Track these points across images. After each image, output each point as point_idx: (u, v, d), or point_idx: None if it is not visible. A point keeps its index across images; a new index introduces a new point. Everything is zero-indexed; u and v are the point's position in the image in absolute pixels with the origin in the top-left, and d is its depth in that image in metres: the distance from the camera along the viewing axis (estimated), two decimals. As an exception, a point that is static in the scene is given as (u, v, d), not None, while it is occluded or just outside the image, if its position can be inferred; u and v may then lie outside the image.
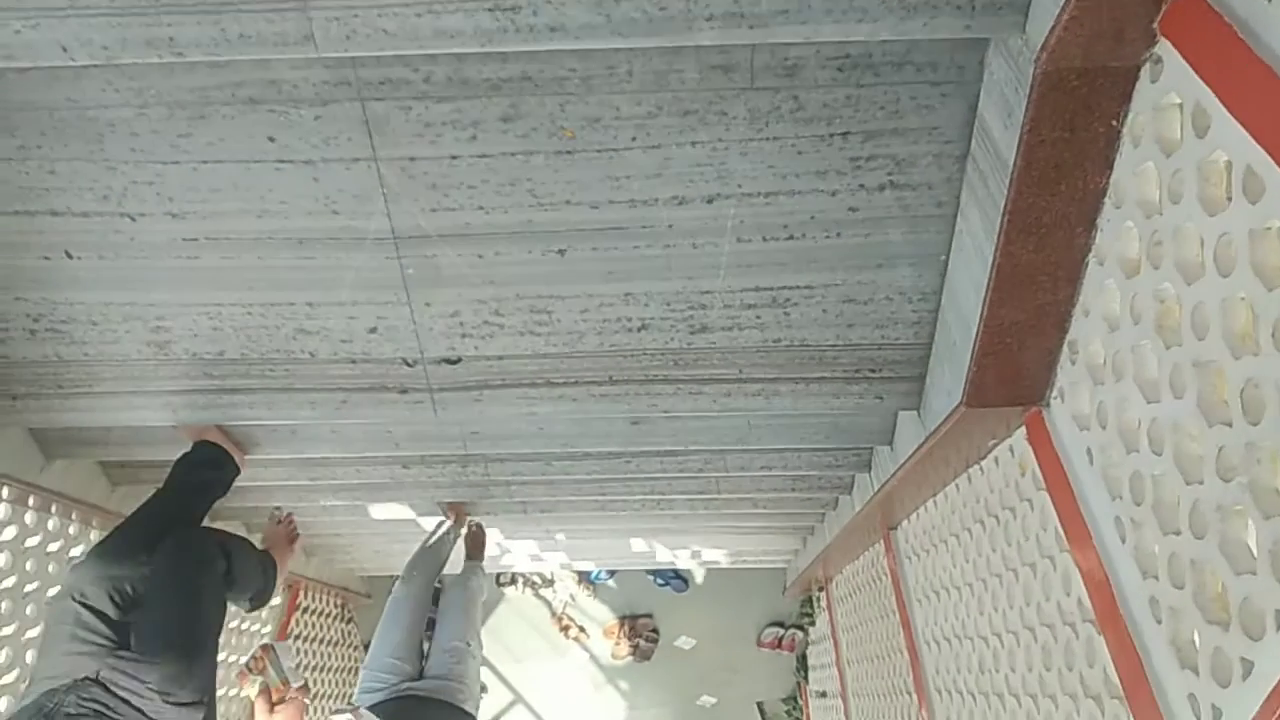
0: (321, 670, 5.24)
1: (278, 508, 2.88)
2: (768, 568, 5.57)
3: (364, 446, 2.49)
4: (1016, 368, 1.63)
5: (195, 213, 1.72)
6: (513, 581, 6.16)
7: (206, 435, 2.37)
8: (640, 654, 6.13)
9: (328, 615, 5.34)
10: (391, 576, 6.01)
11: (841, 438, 2.42)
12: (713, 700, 6.22)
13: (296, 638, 4.83)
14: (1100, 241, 1.42)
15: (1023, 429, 1.81)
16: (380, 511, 3.51)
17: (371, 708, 2.63)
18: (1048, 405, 1.68)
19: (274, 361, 1.99)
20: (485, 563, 3.68)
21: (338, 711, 2.21)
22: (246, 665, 2.10)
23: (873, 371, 1.97)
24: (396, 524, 3.80)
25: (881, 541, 3.24)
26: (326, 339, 1.94)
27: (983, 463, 2.12)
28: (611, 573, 6.16)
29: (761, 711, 6.18)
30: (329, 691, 5.34)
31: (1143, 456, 1.32)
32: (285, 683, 2.09)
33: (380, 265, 1.79)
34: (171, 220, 1.73)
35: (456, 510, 3.48)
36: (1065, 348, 1.59)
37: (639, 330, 1.90)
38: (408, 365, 1.99)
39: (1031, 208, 1.39)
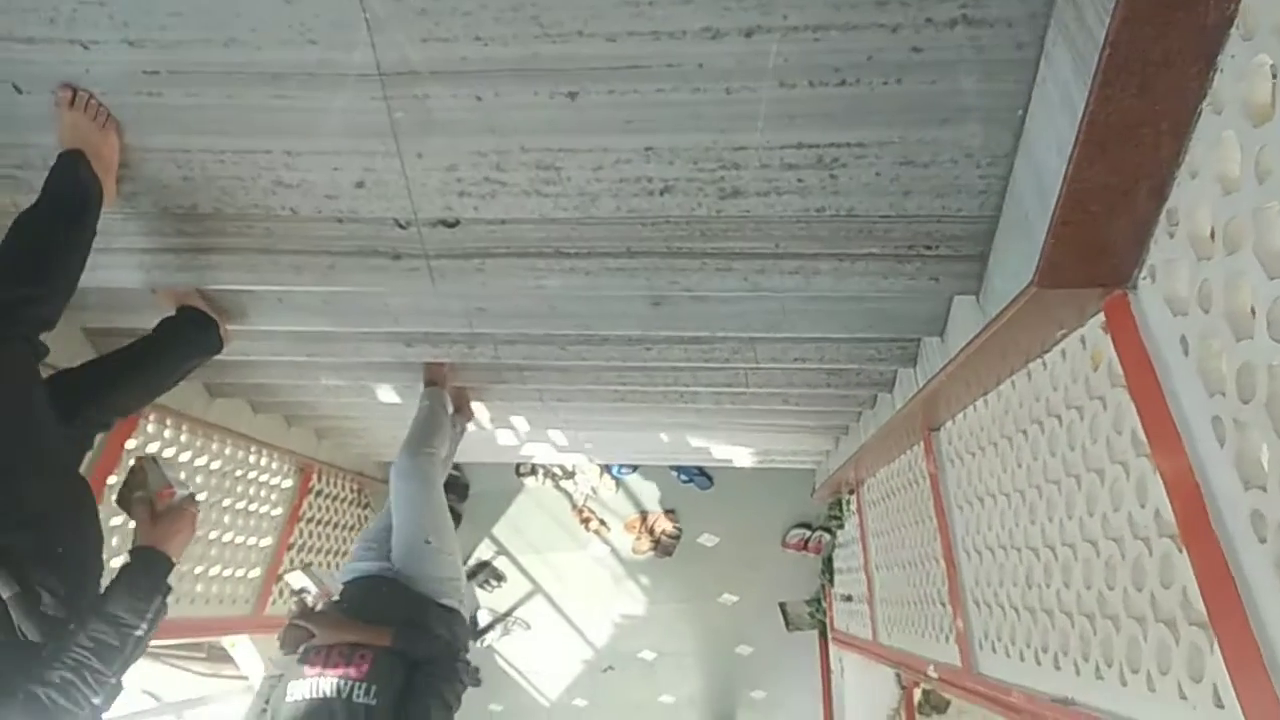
0: (337, 555, 5.24)
1: None
2: (797, 468, 5.44)
3: (359, 319, 2.33)
4: (1101, 242, 1.41)
5: (154, 40, 1.52)
6: (533, 472, 6.09)
7: (187, 300, 2.21)
8: (661, 549, 6.08)
9: (342, 500, 5.31)
10: (409, 462, 6.04)
11: (887, 326, 2.21)
12: (734, 599, 6.19)
13: (309, 520, 4.81)
14: (1220, 85, 1.19)
15: (1100, 316, 1.60)
16: (387, 393, 3.37)
17: (354, 579, 2.65)
18: (1134, 287, 1.47)
19: (252, 218, 1.81)
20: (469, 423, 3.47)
21: (290, 569, 2.13)
22: (124, 483, 1.91)
23: (929, 248, 1.76)
24: (408, 409, 3.67)
25: (922, 443, 3.06)
26: (309, 194, 1.75)
27: (1046, 356, 1.92)
28: (635, 467, 6.06)
29: (784, 612, 6.14)
30: (346, 576, 5.35)
31: (1257, 344, 1.11)
32: (168, 487, 1.89)
33: (365, 107, 1.59)
34: (129, 49, 1.54)
35: (436, 374, 3.18)
36: (1163, 218, 1.36)
37: (661, 193, 1.69)
38: (400, 227, 1.80)
39: (1138, 39, 1.15)
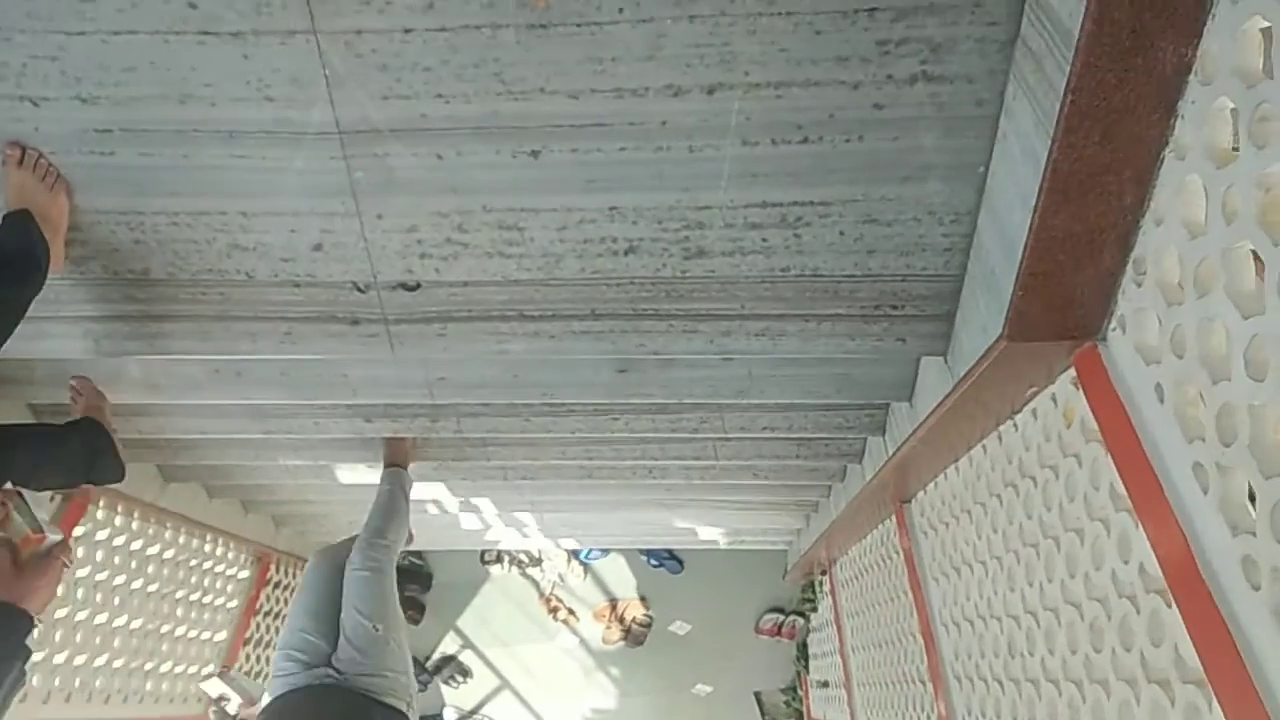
0: (295, 650, 5.04)
1: None
2: (768, 549, 5.36)
3: (317, 392, 2.27)
4: (1069, 293, 1.41)
5: (107, 98, 1.49)
6: (498, 559, 5.96)
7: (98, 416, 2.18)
8: (633, 639, 5.94)
9: (301, 592, 5.13)
10: (370, 552, 5.88)
11: (854, 391, 2.19)
12: (708, 689, 6.02)
13: (266, 614, 4.63)
14: (1181, 131, 1.19)
15: (1070, 372, 1.59)
16: (347, 474, 3.28)
17: (284, 693, 2.32)
18: (1104, 339, 1.46)
19: (206, 284, 1.76)
20: (412, 477, 3.13)
21: (208, 677, 1.98)
22: None
23: (894, 308, 1.75)
24: (369, 491, 3.57)
25: (893, 517, 3.02)
26: (265, 256, 1.71)
27: (1017, 417, 1.90)
28: (604, 551, 5.95)
29: (759, 702, 5.98)
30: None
31: (1235, 385, 1.09)
32: (37, 531, 1.69)
33: (324, 167, 1.56)
34: (81, 106, 1.50)
35: (398, 452, 3.04)
36: (1129, 267, 1.36)
37: (626, 254, 1.67)
38: (359, 290, 1.76)
39: (1100, 86, 1.16)
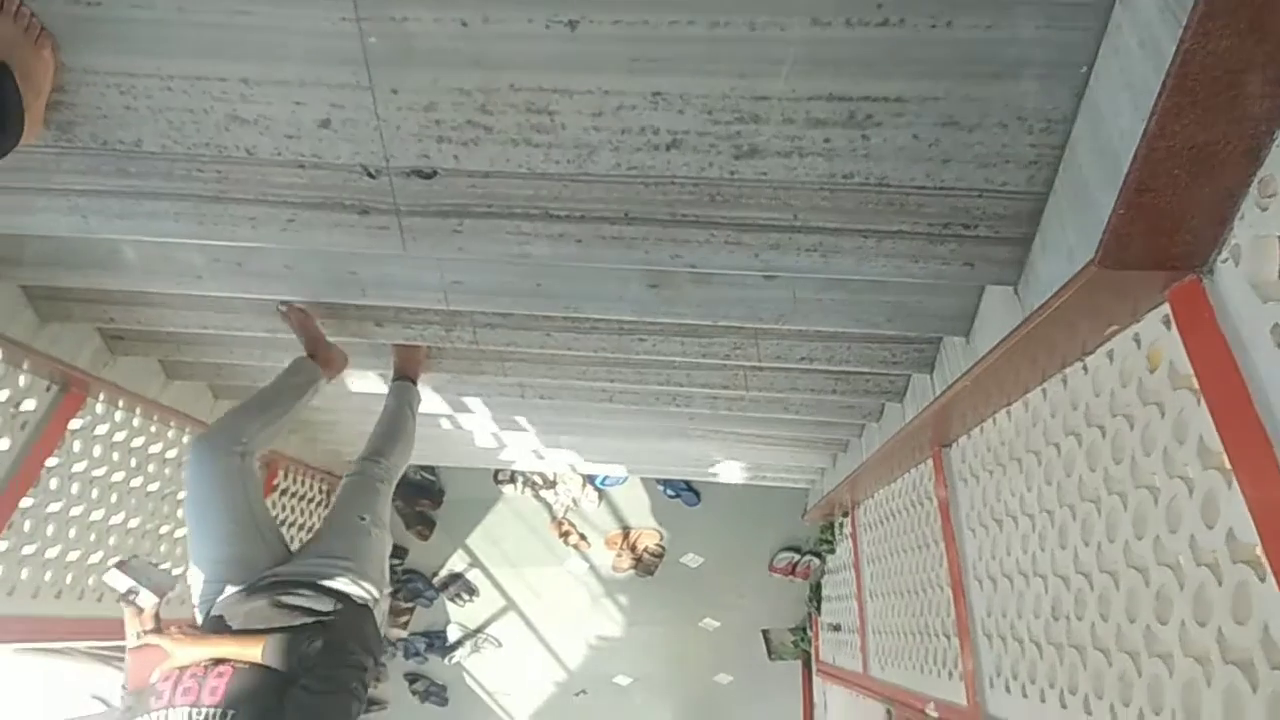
0: (303, 557, 5.00)
1: None
2: (789, 487, 5.23)
3: (325, 289, 2.12)
4: (1179, 215, 1.23)
5: (92, -65, 1.32)
6: (511, 480, 5.87)
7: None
8: (643, 568, 5.88)
9: (310, 500, 5.08)
10: (380, 464, 5.80)
11: (906, 322, 2.02)
12: (716, 624, 5.98)
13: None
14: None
15: (1163, 309, 1.42)
16: (356, 381, 3.15)
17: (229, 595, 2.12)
18: (1210, 272, 1.28)
19: (203, 160, 1.61)
20: (421, 393, 2.99)
21: (105, 568, 1.87)
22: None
23: (966, 227, 1.57)
24: (377, 400, 3.45)
25: (930, 461, 2.88)
26: (268, 131, 1.55)
27: (1088, 359, 1.73)
28: (621, 479, 5.85)
29: (767, 640, 5.94)
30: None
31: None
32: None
33: (335, 29, 1.39)
34: (62, -56, 1.33)
35: (409, 363, 2.89)
36: (1253, 188, 1.18)
37: (668, 148, 1.50)
38: (369, 176, 1.60)
39: (1254, -40, 0.97)
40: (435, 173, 1.58)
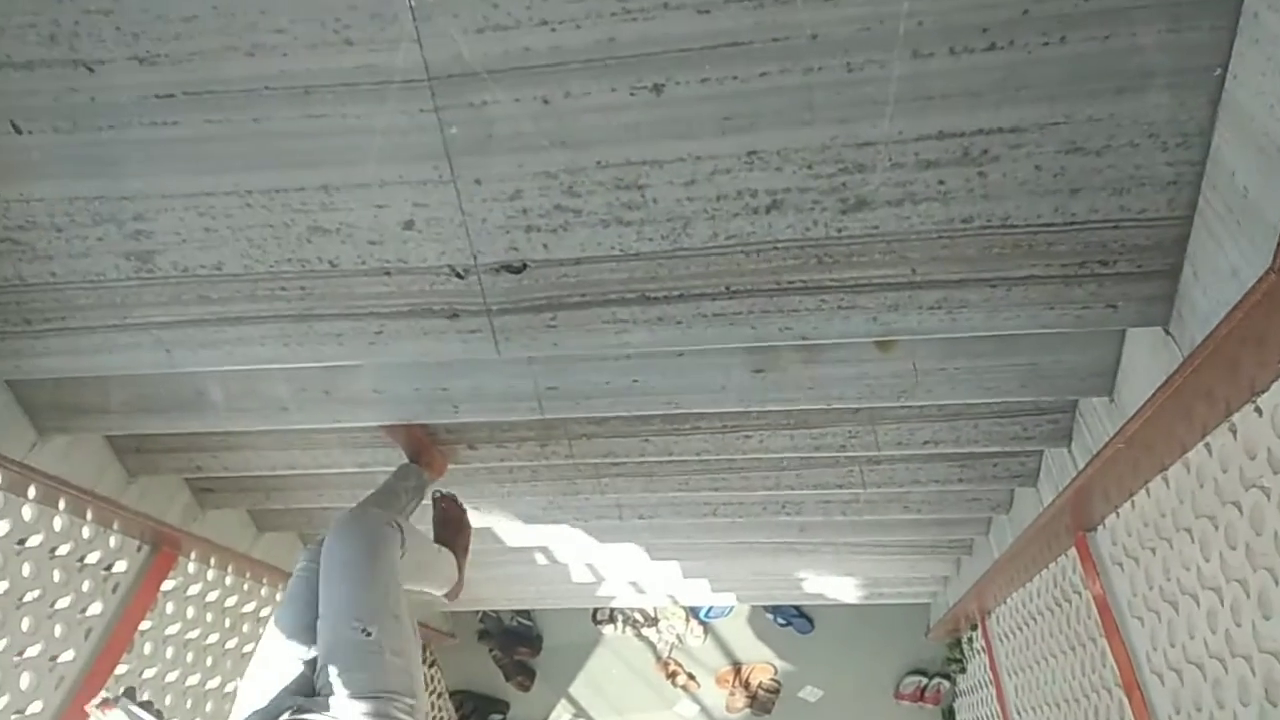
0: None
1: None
2: (908, 604, 4.94)
3: (416, 409, 2.06)
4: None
5: (167, 56, 1.33)
6: (611, 619, 5.66)
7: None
8: (759, 706, 5.54)
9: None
10: (476, 611, 5.67)
11: (1041, 386, 1.87)
12: (844, 763, 5.58)
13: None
14: None
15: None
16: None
17: None
18: None
19: (286, 277, 1.58)
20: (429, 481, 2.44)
21: (103, 700, 1.58)
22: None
23: (1104, 264, 1.44)
24: (476, 536, 3.35)
25: (1071, 551, 2.65)
26: (350, 240, 1.52)
27: (1260, 399, 1.56)
28: (726, 609, 5.60)
29: (900, 777, 5.52)
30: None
31: None
32: None
33: (413, 123, 1.37)
34: (139, 68, 1.35)
35: (414, 440, 2.40)
36: None
37: (768, 210, 1.42)
38: (458, 276, 1.55)
39: None
40: (525, 265, 1.52)
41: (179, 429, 2.10)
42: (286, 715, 1.53)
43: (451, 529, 2.43)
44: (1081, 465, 2.10)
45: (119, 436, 2.37)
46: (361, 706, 1.55)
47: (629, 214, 1.44)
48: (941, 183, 1.37)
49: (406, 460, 2.40)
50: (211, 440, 2.40)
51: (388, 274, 1.56)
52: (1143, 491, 2.11)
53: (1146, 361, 1.65)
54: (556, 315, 1.58)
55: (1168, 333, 1.53)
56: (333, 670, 1.59)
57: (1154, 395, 1.61)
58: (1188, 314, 1.44)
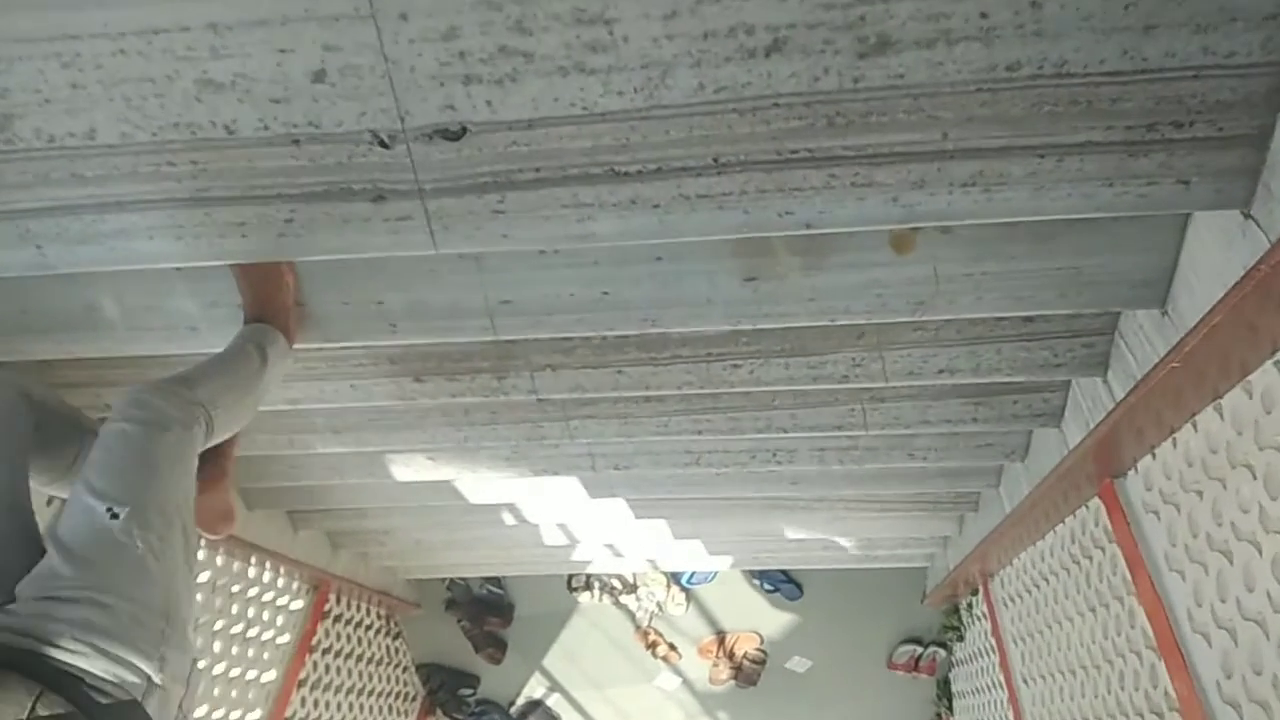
0: (364, 694, 4.62)
1: None
2: (903, 567, 4.74)
3: (347, 329, 1.79)
4: None
5: None
6: (587, 586, 5.42)
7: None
8: (744, 678, 5.35)
9: (367, 627, 4.72)
10: (443, 580, 5.43)
11: (1083, 295, 1.62)
12: (833, 736, 5.41)
13: (325, 651, 4.21)
14: None
15: None
16: (404, 468, 2.80)
17: None
18: None
19: (172, 148, 1.31)
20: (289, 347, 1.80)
21: None
22: None
23: (1179, 125, 1.19)
24: (435, 492, 3.11)
25: (1095, 501, 2.43)
26: (249, 98, 1.24)
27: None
28: (710, 575, 5.38)
29: (892, 751, 5.36)
30: (371, 720, 4.74)
31: None
32: None
33: (320, -64, 1.10)
34: None
35: (266, 295, 1.75)
36: None
37: (768, 53, 1.16)
38: (382, 145, 1.28)
39: None
40: (464, 130, 1.26)
41: (69, 354, 1.83)
42: None
43: (270, 285, 1.75)
44: (1121, 395, 1.86)
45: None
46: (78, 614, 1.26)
47: (593, 58, 1.18)
48: (984, 15, 1.11)
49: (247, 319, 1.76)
50: (115, 371, 2.12)
51: (296, 143, 1.29)
52: (1187, 426, 1.88)
53: (1216, 258, 1.41)
54: (505, 197, 1.32)
55: (1248, 216, 1.28)
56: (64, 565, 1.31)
57: (1226, 296, 1.36)
58: (1278, 190, 1.20)
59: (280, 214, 1.37)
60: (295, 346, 1.79)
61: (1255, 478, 1.62)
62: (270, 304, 1.74)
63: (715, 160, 1.26)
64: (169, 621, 1.34)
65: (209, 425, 1.57)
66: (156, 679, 1.29)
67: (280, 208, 1.36)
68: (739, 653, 5.37)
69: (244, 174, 1.32)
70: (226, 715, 3.35)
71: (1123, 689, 2.35)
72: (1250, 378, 1.61)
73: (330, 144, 1.29)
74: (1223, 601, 1.78)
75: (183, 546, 1.43)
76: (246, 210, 1.37)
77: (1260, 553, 1.63)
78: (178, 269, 1.72)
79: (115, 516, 1.33)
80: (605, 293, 1.70)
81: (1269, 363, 1.54)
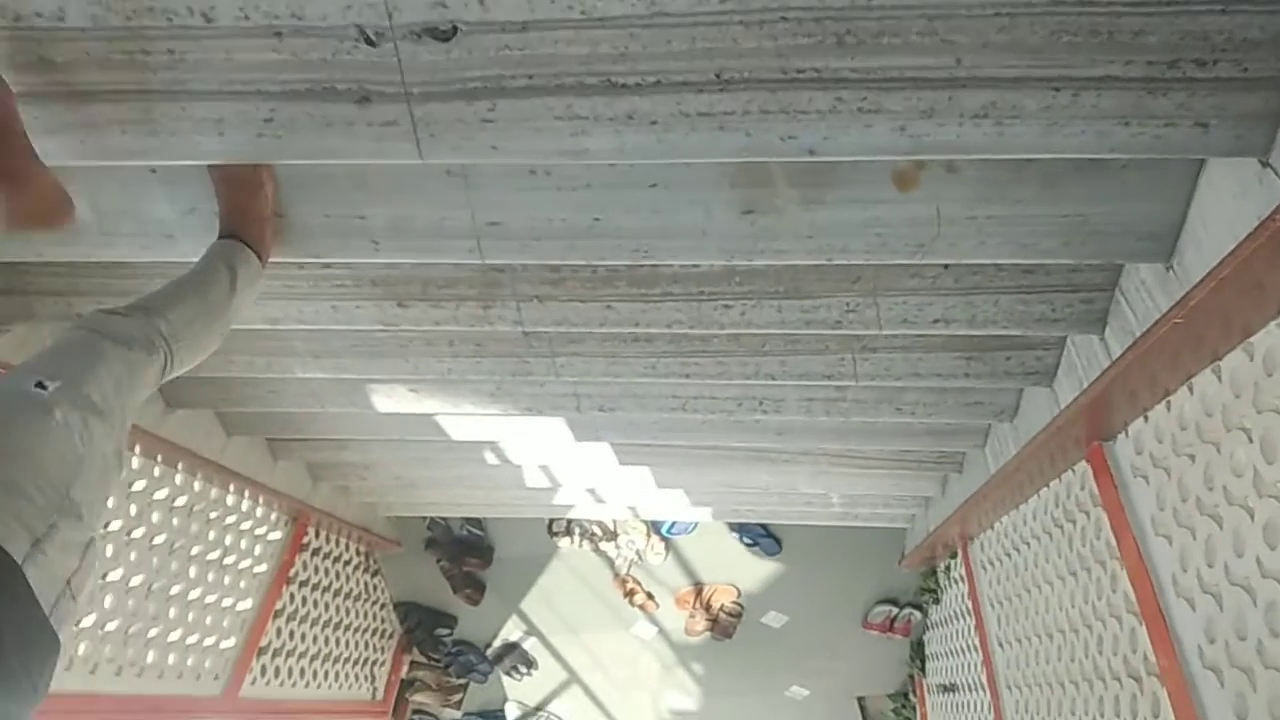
0: (340, 629, 4.62)
1: None
2: (884, 527, 4.73)
3: (326, 245, 1.73)
4: None
5: None
6: (568, 532, 5.41)
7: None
8: (720, 630, 5.36)
9: (346, 562, 4.70)
10: (424, 518, 5.41)
11: (1088, 244, 1.57)
12: (805, 692, 5.42)
13: (302, 584, 4.19)
14: None
15: None
16: (386, 399, 2.75)
17: None
18: None
19: (147, 35, 1.24)
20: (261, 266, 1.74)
21: None
22: None
23: (1201, 63, 1.14)
24: (417, 426, 3.06)
25: (1083, 464, 2.40)
26: (228, -15, 1.18)
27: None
28: (690, 526, 5.38)
29: (863, 709, 5.38)
30: (350, 655, 4.73)
31: None
32: None
33: None
34: None
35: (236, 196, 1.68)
36: None
37: (777, -38, 1.11)
38: (368, 42, 1.22)
39: None
40: (455, 30, 1.20)
41: (40, 256, 1.77)
42: None
43: (247, 191, 1.67)
44: (1118, 353, 1.82)
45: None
46: None
47: (593, -41, 1.12)
48: (1008, -69, 1.05)
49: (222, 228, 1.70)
50: (89, 279, 2.06)
51: (278, 35, 1.22)
52: (1183, 389, 1.85)
53: (1228, 208, 1.36)
54: (495, 104, 1.26)
55: (1265, 165, 1.23)
56: None
57: (1237, 249, 1.32)
58: (1302, 135, 1.15)
59: (259, 112, 1.31)
60: (273, 260, 1.74)
61: (1251, 441, 1.59)
62: (248, 212, 1.67)
63: (718, 76, 1.21)
64: (68, 496, 1.20)
65: (169, 358, 1.50)
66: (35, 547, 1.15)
67: (259, 105, 1.30)
68: (716, 605, 5.38)
69: (221, 67, 1.26)
70: (200, 640, 3.33)
71: (1100, 653, 2.34)
72: (1252, 339, 1.57)
73: (313, 38, 1.23)
74: (1210, 567, 1.76)
75: (110, 441, 1.32)
76: (224, 106, 1.31)
77: (1252, 518, 1.60)
78: (152, 170, 1.66)
79: (43, 387, 1.25)
80: (597, 219, 1.64)
81: (1272, 324, 1.50)
